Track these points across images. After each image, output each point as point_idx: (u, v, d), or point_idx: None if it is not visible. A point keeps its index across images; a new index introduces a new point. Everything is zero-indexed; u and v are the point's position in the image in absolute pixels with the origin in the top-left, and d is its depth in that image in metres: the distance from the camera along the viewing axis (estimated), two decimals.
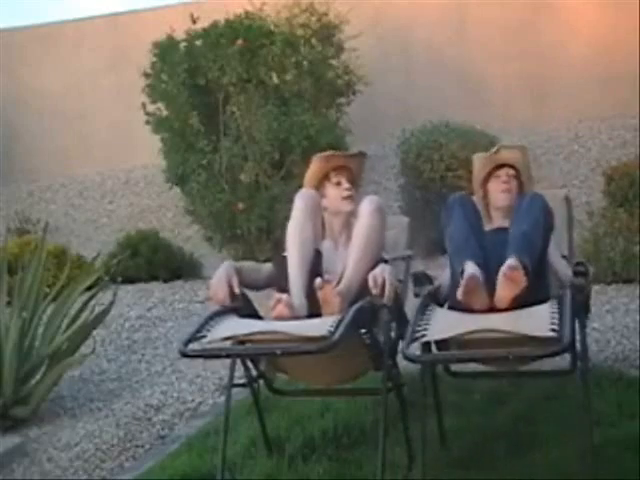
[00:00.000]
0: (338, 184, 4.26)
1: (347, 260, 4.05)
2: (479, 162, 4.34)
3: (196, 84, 7.89)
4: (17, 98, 10.60)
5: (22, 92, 10.63)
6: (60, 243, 8.06)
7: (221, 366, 5.42)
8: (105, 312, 5.92)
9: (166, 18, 8.70)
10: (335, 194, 4.25)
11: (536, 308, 3.64)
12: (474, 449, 4.20)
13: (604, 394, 4.48)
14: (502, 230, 4.02)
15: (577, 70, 9.22)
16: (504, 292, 3.61)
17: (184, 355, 3.75)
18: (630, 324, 5.41)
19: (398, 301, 4.01)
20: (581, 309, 3.84)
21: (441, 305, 3.95)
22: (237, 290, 4.01)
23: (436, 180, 7.53)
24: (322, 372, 4.01)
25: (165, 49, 8.05)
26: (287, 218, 4.20)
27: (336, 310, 3.80)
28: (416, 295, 3.95)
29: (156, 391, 5.60)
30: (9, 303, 5.79)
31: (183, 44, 8.03)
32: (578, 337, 3.74)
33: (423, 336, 3.54)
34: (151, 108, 8.08)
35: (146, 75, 8.11)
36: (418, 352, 3.59)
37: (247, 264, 4.32)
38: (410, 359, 3.54)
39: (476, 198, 4.29)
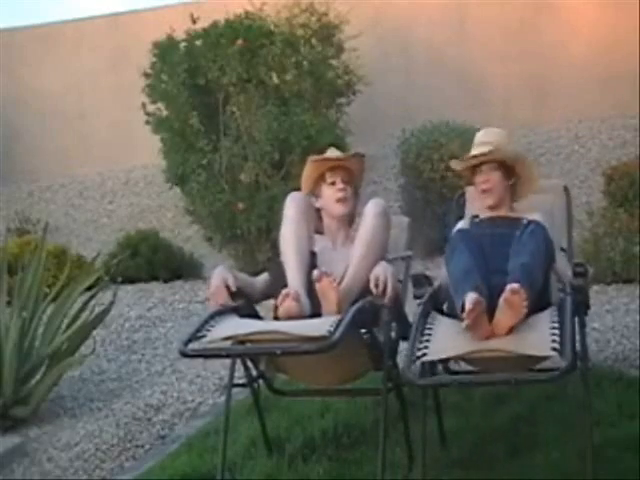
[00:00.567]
0: (333, 184, 4.25)
1: (349, 261, 4.05)
2: (459, 166, 4.32)
3: (196, 84, 7.88)
4: (17, 98, 10.59)
5: (22, 92, 10.62)
6: (60, 243, 8.06)
7: (221, 366, 5.42)
8: (105, 312, 5.92)
9: (166, 18, 8.69)
10: (329, 194, 4.25)
11: (536, 317, 3.63)
12: (474, 449, 4.21)
13: (604, 394, 4.47)
14: (498, 220, 4.02)
15: (577, 70, 9.22)
16: (504, 319, 3.54)
17: (184, 355, 3.74)
18: (630, 324, 5.41)
19: (398, 301, 4.01)
20: (581, 309, 3.84)
21: (441, 305, 3.96)
22: (234, 288, 3.98)
23: (436, 180, 7.53)
24: (322, 372, 4.01)
25: (165, 49, 8.04)
26: None
27: (334, 304, 3.79)
28: (416, 297, 3.94)
29: (156, 391, 5.60)
30: (9, 303, 5.79)
31: (183, 44, 8.02)
32: (578, 337, 3.74)
33: (424, 354, 3.52)
34: (151, 108, 8.07)
35: (146, 75, 8.10)
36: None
37: (242, 276, 4.22)
38: (411, 382, 3.52)
39: (469, 192, 4.32)
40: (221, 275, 4.03)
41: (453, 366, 4.00)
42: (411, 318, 3.87)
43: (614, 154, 8.44)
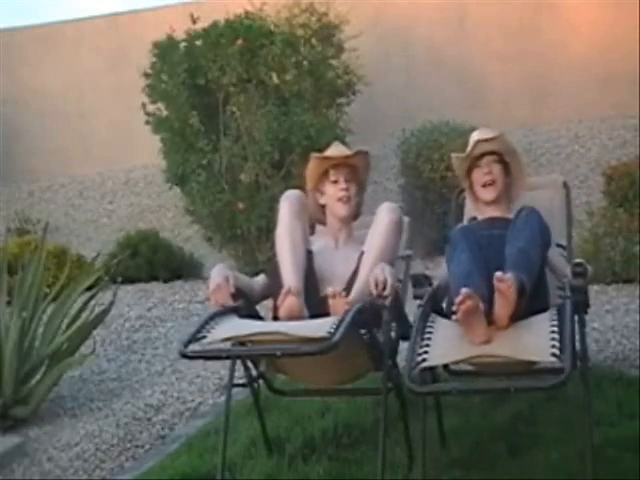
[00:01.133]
0: (335, 182, 4.24)
1: (356, 263, 4.03)
2: (457, 161, 4.30)
3: (196, 84, 7.88)
4: (17, 98, 10.59)
5: (22, 92, 10.62)
6: (60, 243, 8.06)
7: (221, 366, 5.42)
8: (105, 312, 5.92)
9: (166, 18, 8.69)
10: (332, 192, 4.24)
11: (535, 319, 3.64)
12: (474, 449, 4.20)
13: (604, 394, 4.47)
14: (496, 222, 4.02)
15: (577, 70, 9.22)
16: (501, 310, 3.56)
17: (184, 356, 3.73)
18: (630, 324, 5.41)
19: (398, 301, 4.00)
20: (580, 308, 3.83)
21: (440, 304, 3.96)
22: (232, 289, 3.96)
23: (436, 180, 7.53)
24: (322, 373, 4.01)
25: (165, 49, 8.04)
26: None
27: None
28: (416, 297, 3.93)
29: (156, 391, 5.60)
30: (9, 303, 5.79)
31: (183, 44, 8.02)
32: (578, 337, 3.74)
33: (424, 360, 3.51)
34: (151, 108, 8.07)
35: (146, 75, 8.10)
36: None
37: (241, 276, 4.20)
38: (412, 391, 3.51)
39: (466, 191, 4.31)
40: (221, 273, 4.02)
41: (453, 367, 4.01)
42: (411, 318, 3.88)
43: (614, 154, 8.44)
